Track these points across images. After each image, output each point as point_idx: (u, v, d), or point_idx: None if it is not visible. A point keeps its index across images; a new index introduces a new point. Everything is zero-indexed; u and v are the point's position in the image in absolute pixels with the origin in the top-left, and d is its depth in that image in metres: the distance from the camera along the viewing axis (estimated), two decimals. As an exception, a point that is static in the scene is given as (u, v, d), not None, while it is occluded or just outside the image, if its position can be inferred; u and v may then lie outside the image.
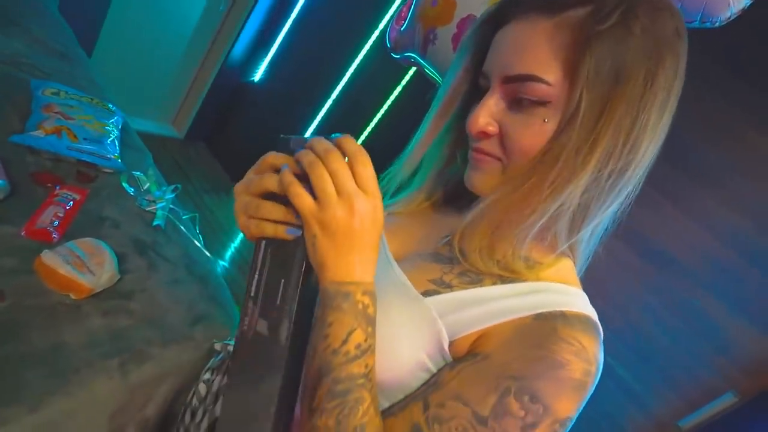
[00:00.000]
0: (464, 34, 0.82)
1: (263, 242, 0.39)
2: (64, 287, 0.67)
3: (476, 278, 0.41)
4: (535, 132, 0.38)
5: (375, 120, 2.30)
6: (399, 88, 2.22)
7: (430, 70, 1.00)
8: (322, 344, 0.37)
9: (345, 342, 0.36)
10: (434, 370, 0.40)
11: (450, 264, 0.43)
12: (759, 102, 1.38)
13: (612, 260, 1.47)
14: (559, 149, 0.36)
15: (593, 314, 0.39)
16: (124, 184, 0.94)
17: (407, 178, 0.54)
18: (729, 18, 0.70)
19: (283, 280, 0.37)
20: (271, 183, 0.37)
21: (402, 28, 0.95)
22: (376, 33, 2.25)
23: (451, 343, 0.39)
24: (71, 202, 0.81)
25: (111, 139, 0.96)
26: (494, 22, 0.42)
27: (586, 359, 0.35)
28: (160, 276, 0.83)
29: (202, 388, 0.65)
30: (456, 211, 0.52)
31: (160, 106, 2.76)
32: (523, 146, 0.39)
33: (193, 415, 0.65)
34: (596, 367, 0.36)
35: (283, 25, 2.57)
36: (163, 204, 0.95)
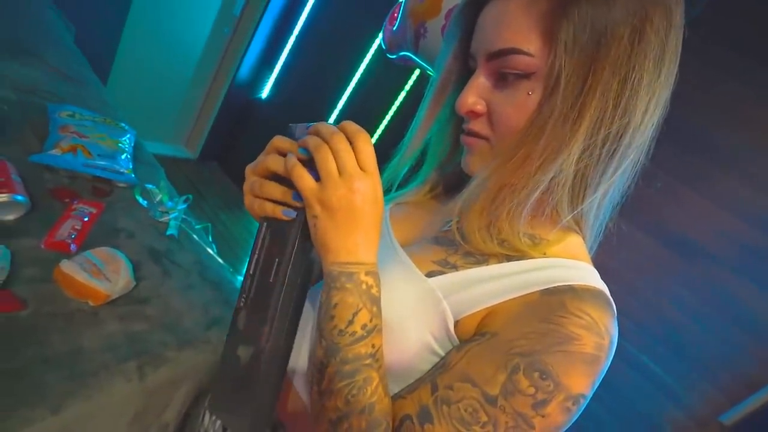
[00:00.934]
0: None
1: (264, 223, 0.40)
2: (82, 294, 0.69)
3: (481, 258, 0.41)
4: (520, 105, 0.38)
5: (381, 128, 2.32)
6: (402, 95, 2.24)
7: (425, 66, 1.02)
8: (329, 325, 0.37)
9: (351, 322, 0.36)
10: (441, 352, 0.39)
11: (453, 246, 0.43)
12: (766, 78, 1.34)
13: (638, 254, 1.42)
14: (544, 120, 0.36)
15: (604, 288, 0.38)
16: (138, 197, 0.97)
17: (411, 169, 0.55)
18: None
19: (277, 259, 0.38)
20: (274, 164, 0.38)
21: (394, 28, 0.97)
22: (377, 43, 2.29)
23: (456, 323, 0.38)
24: (88, 216, 0.84)
25: (124, 155, 1.00)
26: (476, 4, 0.42)
27: (597, 333, 0.34)
28: (174, 282, 0.85)
29: None
30: (451, 196, 0.52)
31: (173, 128, 2.85)
32: (509, 121, 0.38)
33: (212, 416, 0.65)
34: (609, 340, 0.34)
35: (286, 43, 2.64)
36: (176, 214, 0.97)
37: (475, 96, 0.40)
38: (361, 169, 0.36)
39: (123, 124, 1.11)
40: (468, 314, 0.38)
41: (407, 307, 0.40)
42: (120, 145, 1.01)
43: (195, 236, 0.99)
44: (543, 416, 0.32)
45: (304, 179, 0.36)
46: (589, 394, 0.34)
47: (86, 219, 0.83)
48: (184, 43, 2.52)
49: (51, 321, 0.64)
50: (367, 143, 0.37)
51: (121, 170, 0.96)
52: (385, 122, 2.31)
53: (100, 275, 0.71)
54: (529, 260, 0.39)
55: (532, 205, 0.38)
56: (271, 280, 0.39)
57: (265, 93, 2.80)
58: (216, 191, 2.83)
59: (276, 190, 0.39)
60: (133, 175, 0.98)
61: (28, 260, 0.70)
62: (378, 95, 2.33)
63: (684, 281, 1.48)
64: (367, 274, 0.37)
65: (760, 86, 1.36)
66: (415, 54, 0.95)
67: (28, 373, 0.57)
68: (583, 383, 0.33)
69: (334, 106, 2.48)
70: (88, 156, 0.91)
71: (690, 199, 1.45)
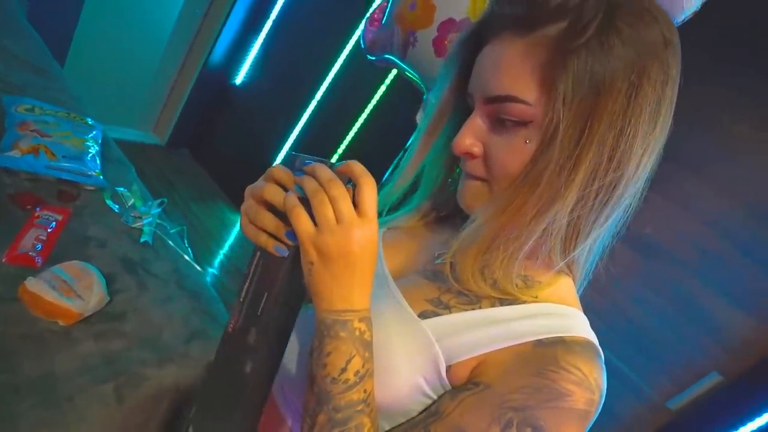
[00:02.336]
0: (447, 47, 0.83)
1: (258, 251, 0.39)
2: (51, 314, 0.65)
3: (474, 299, 0.41)
4: (517, 153, 0.37)
5: (360, 119, 2.29)
6: (383, 87, 2.21)
7: (410, 72, 1.01)
8: (321, 373, 0.36)
9: (344, 370, 0.36)
10: (432, 395, 0.39)
11: (446, 283, 0.43)
12: (737, 90, 1.41)
13: (607, 256, 1.49)
14: (540, 170, 0.36)
15: (593, 337, 0.39)
16: (108, 201, 0.91)
17: (405, 194, 0.54)
18: (683, 20, 0.71)
19: (266, 293, 0.38)
20: (271, 195, 0.37)
21: (378, 30, 0.95)
22: (358, 32, 2.23)
23: (448, 368, 0.39)
24: (53, 223, 0.78)
25: (91, 155, 0.94)
26: (474, 41, 0.41)
27: (588, 388, 0.35)
28: (150, 294, 0.82)
29: None
30: (450, 229, 0.52)
31: (139, 113, 2.70)
32: (506, 167, 0.38)
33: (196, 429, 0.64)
34: (599, 395, 0.36)
35: (263, 27, 2.53)
36: (150, 219, 0.92)
37: (472, 138, 0.40)
38: (360, 214, 0.35)
39: (89, 119, 1.04)
40: (460, 360, 0.38)
41: (399, 348, 0.40)
42: (86, 144, 0.95)
43: (170, 242, 0.95)
44: None
45: (302, 223, 0.35)
46: None
47: (51, 228, 0.78)
48: (152, 22, 2.37)
49: (19, 344, 0.61)
50: (372, 188, 0.36)
51: (89, 172, 0.90)
52: (364, 115, 2.28)
53: (71, 293, 0.67)
54: (521, 305, 0.40)
55: (526, 253, 0.38)
56: (259, 313, 0.39)
57: (239, 78, 2.68)
58: (187, 180, 2.72)
59: (270, 222, 0.37)
60: (101, 178, 0.93)
61: (-11, 277, 0.66)
62: (358, 87, 2.29)
63: (645, 280, 1.57)
64: (360, 320, 0.37)
65: (725, 93, 1.43)
66: (402, 60, 0.93)
67: (-3, 403, 0.54)
68: None
69: (313, 96, 2.42)
70: (51, 157, 0.85)
71: (654, 202, 1.53)
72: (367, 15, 1.05)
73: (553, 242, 0.38)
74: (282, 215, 0.37)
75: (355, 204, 0.36)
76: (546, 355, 0.36)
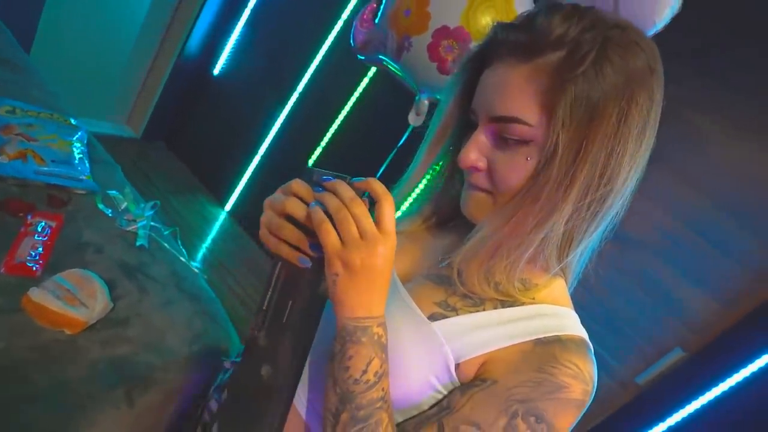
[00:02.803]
0: (441, 53, 0.85)
1: (279, 262, 0.41)
2: (57, 323, 0.66)
3: (478, 301, 0.45)
4: (519, 169, 0.41)
5: (344, 112, 2.28)
6: (366, 80, 2.21)
7: (402, 74, 1.03)
8: (344, 375, 0.39)
9: (365, 372, 0.39)
10: (443, 390, 0.43)
11: (452, 286, 0.46)
12: (701, 84, 1.50)
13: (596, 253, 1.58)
14: (541, 186, 0.39)
15: (584, 334, 0.44)
16: (100, 205, 0.90)
17: (406, 202, 0.58)
18: (657, 30, 0.77)
19: (290, 302, 0.41)
20: (294, 209, 0.39)
21: (370, 32, 0.96)
22: (340, 23, 2.20)
23: (457, 366, 0.43)
24: (47, 231, 0.77)
25: (79, 158, 0.92)
26: (479, 61, 0.45)
27: (583, 380, 0.39)
28: (152, 298, 0.82)
29: (213, 405, 0.66)
30: (451, 233, 0.55)
31: (111, 105, 2.59)
32: (509, 182, 0.42)
33: (205, 429, 0.66)
34: (592, 386, 0.41)
35: (241, 15, 2.46)
36: (144, 222, 0.92)
37: (476, 153, 0.43)
38: (381, 230, 0.38)
39: (72, 120, 1.01)
40: (468, 359, 0.42)
41: (412, 349, 0.44)
42: (73, 146, 0.92)
43: (166, 244, 0.96)
44: None
45: (331, 238, 0.37)
46: (572, 427, 0.41)
47: (46, 235, 0.77)
48: (124, 8, 2.25)
49: (27, 355, 0.61)
50: (391, 206, 0.39)
51: (80, 176, 0.88)
52: (349, 104, 2.26)
53: (75, 301, 0.67)
54: (520, 307, 0.44)
55: (526, 259, 0.42)
56: (284, 321, 0.41)
57: (217, 69, 2.60)
58: (165, 174, 2.65)
59: (293, 234, 0.40)
60: (92, 181, 0.91)
61: (-11, 289, 0.65)
62: (342, 76, 2.26)
63: (613, 264, 1.68)
64: (378, 326, 0.40)
65: (691, 90, 1.52)
66: (396, 62, 0.95)
67: (12, 414, 0.55)
68: (570, 422, 0.39)
69: (294, 89, 2.38)
70: (40, 162, 0.83)
71: None
72: (355, 6, 1.05)
73: (551, 249, 0.42)
74: (302, 227, 0.40)
75: (375, 220, 0.38)
76: (545, 352, 0.40)
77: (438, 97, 1.04)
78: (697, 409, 1.60)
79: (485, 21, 0.83)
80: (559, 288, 0.47)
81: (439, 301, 0.46)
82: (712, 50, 1.49)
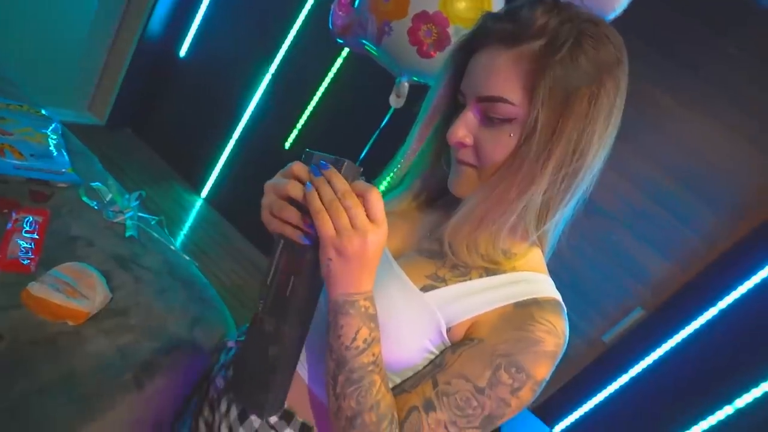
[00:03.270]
0: (420, 37, 0.88)
1: (281, 240, 0.45)
2: (60, 316, 0.67)
3: (465, 271, 0.50)
4: (503, 144, 0.46)
5: (319, 93, 2.26)
6: (340, 60, 2.18)
7: (382, 58, 1.05)
8: (336, 342, 0.44)
9: (354, 339, 0.44)
10: (436, 351, 0.49)
11: (441, 259, 0.52)
12: (661, 63, 1.60)
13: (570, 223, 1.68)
14: (522, 158, 0.44)
15: (558, 296, 0.50)
16: (84, 198, 0.90)
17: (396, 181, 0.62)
18: (617, 13, 0.83)
19: (293, 278, 0.45)
20: (295, 192, 0.43)
21: (349, 17, 0.97)
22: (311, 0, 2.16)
23: (448, 329, 0.48)
24: (35, 226, 0.77)
25: (57, 150, 0.90)
26: (468, 48, 0.49)
27: (556, 335, 0.45)
28: (147, 287, 0.84)
29: (219, 382, 0.69)
30: (438, 210, 0.60)
31: (70, 90, 2.45)
32: (494, 156, 0.47)
33: (212, 407, 0.70)
34: (564, 339, 0.47)
35: (205, -8, 2.35)
36: (131, 213, 0.92)
37: (464, 130, 0.48)
38: (372, 220, 0.42)
39: (43, 111, 0.98)
40: (458, 322, 0.48)
41: (407, 318, 0.49)
42: (49, 139, 0.90)
43: (155, 234, 0.96)
44: (518, 398, 0.44)
45: (326, 227, 0.41)
46: (548, 378, 0.47)
47: (34, 230, 0.77)
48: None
49: (34, 349, 0.62)
50: (378, 198, 0.43)
51: (61, 170, 0.87)
52: (324, 86, 2.24)
53: (76, 293, 0.69)
54: (502, 275, 0.49)
55: (508, 228, 0.48)
56: (287, 295, 0.46)
57: (183, 50, 2.50)
58: (135, 162, 2.56)
59: (294, 215, 0.44)
60: (74, 174, 0.90)
61: (-14, 286, 0.65)
62: (315, 56, 2.22)
63: (582, 233, 1.80)
64: (365, 299, 0.44)
65: (653, 68, 1.62)
66: (377, 47, 0.97)
67: (27, 407, 0.57)
68: (545, 372, 0.45)
69: (266, 70, 2.33)
70: (19, 157, 0.81)
71: None
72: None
73: (530, 218, 0.47)
74: (302, 208, 0.43)
75: (366, 211, 0.42)
76: (524, 313, 0.46)
77: (417, 79, 1.07)
78: (655, 360, 1.77)
79: (462, 6, 0.86)
80: (537, 257, 0.53)
81: (429, 274, 0.51)
82: (668, 30, 1.58)
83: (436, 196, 0.62)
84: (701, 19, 1.55)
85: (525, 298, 0.47)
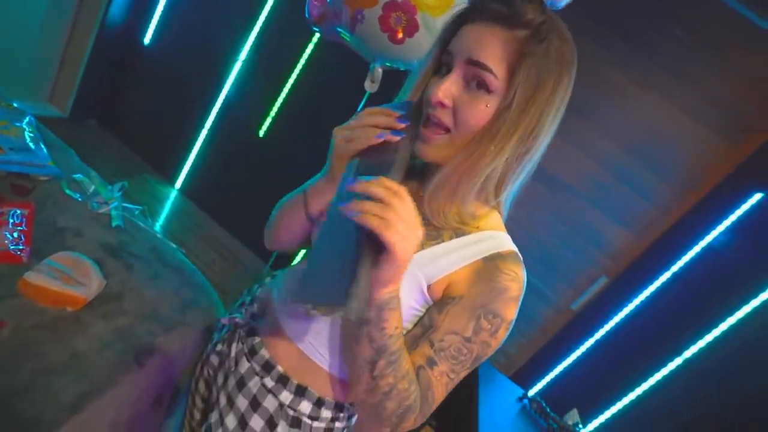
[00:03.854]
0: (391, 23, 0.92)
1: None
2: (59, 302, 0.70)
3: (436, 234, 0.57)
4: (479, 112, 0.52)
5: (292, 78, 2.25)
6: (311, 46, 2.18)
7: (356, 45, 1.09)
8: (379, 333, 0.48)
9: (396, 328, 0.49)
10: (420, 309, 0.56)
11: None
12: (617, 45, 1.70)
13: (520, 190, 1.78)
14: (496, 130, 0.51)
15: (516, 249, 0.58)
16: (68, 191, 0.91)
17: None
18: (567, 2, 0.90)
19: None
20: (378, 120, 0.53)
21: (324, 6, 1.01)
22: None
23: (429, 287, 0.56)
24: (22, 219, 0.78)
25: (36, 144, 0.90)
26: (462, 19, 0.55)
27: (518, 281, 0.53)
28: (139, 273, 0.87)
29: (214, 359, 0.74)
30: (414, 182, 0.65)
31: (27, 82, 2.33)
32: (469, 121, 0.53)
33: (208, 383, 0.75)
34: (524, 283, 0.55)
35: (168, -25, 2.27)
36: (116, 203, 0.94)
37: (447, 91, 0.53)
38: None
39: (15, 104, 0.97)
40: (436, 280, 0.55)
41: None
42: (26, 133, 0.90)
43: (140, 223, 0.99)
44: (495, 338, 0.52)
45: (371, 213, 0.43)
46: (516, 317, 0.55)
47: (21, 223, 0.78)
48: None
49: (38, 334, 0.66)
50: (410, 201, 0.45)
51: (41, 163, 0.88)
52: (297, 69, 2.23)
53: (71, 281, 0.71)
54: (469, 235, 0.55)
55: (475, 193, 0.55)
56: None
57: (147, 38, 2.42)
58: (103, 155, 2.49)
59: (382, 119, 0.52)
60: (55, 167, 0.91)
61: (-19, 278, 0.67)
62: (286, 42, 2.21)
63: (550, 209, 1.92)
64: (398, 290, 0.49)
65: (610, 50, 1.72)
66: (351, 34, 1.01)
67: (36, 385, 0.61)
68: (513, 312, 0.53)
69: (236, 57, 2.30)
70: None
71: (556, 143, 1.83)
72: None
73: (491, 185, 0.55)
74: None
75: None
76: (491, 266, 0.54)
77: (390, 65, 1.12)
78: (617, 323, 1.93)
79: None
80: (496, 218, 0.61)
81: None
82: (626, 15, 1.68)
83: (413, 168, 0.68)
84: (655, 3, 1.66)
85: (490, 253, 0.55)
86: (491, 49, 0.51)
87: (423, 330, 0.55)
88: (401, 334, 0.51)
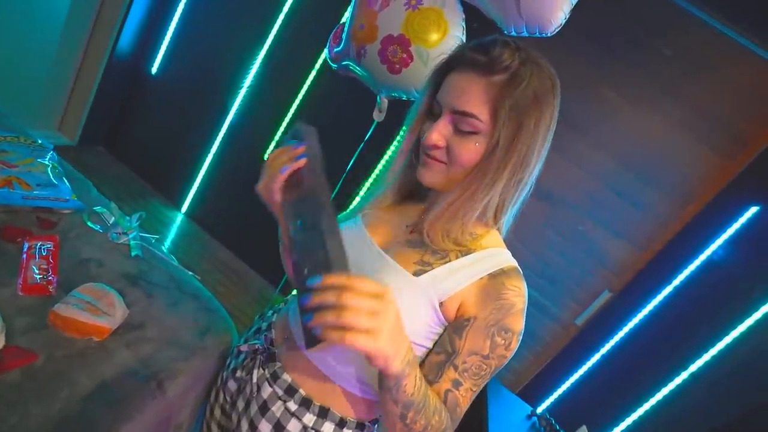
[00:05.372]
0: (388, 56, 1.00)
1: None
2: (86, 332, 0.73)
3: (444, 255, 0.61)
4: (470, 150, 0.58)
5: (294, 105, 2.32)
6: (314, 73, 2.25)
7: (362, 75, 1.16)
8: (403, 396, 0.49)
9: (416, 386, 0.50)
10: (435, 329, 0.59)
11: (423, 247, 0.62)
12: (610, 66, 1.77)
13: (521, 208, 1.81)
14: (487, 166, 0.57)
15: (516, 263, 0.62)
16: (89, 223, 0.95)
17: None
18: (556, 30, 0.97)
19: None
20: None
21: (338, 47, 1.09)
22: (282, 15, 2.22)
23: (441, 304, 0.59)
24: (48, 252, 0.82)
25: (58, 178, 0.95)
26: (446, 68, 0.61)
27: (522, 295, 0.58)
28: (159, 302, 0.90)
29: (232, 385, 0.76)
30: (413, 205, 0.70)
31: (38, 111, 2.41)
32: (461, 159, 0.58)
33: (224, 410, 0.77)
34: (526, 296, 0.58)
35: (176, 9, 2.37)
36: (134, 233, 0.98)
37: (439, 135, 0.59)
38: (378, 296, 0.43)
39: (39, 140, 1.02)
40: (447, 297, 0.57)
41: (409, 303, 0.58)
42: (50, 169, 0.95)
43: (157, 251, 1.02)
44: (509, 350, 0.57)
45: (361, 340, 0.42)
46: (523, 327, 0.59)
47: (48, 256, 0.81)
48: (43, 7, 2.09)
49: (69, 362, 0.68)
50: (366, 280, 0.44)
51: (65, 197, 0.92)
52: (300, 95, 2.29)
53: (98, 311, 0.75)
54: (473, 254, 0.60)
55: (475, 219, 0.59)
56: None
57: (155, 67, 2.51)
58: (111, 181, 2.54)
59: (280, 158, 0.57)
60: (78, 201, 0.95)
61: (14, 310, 0.70)
62: (289, 70, 2.28)
63: (550, 224, 1.95)
64: (410, 349, 0.49)
65: (601, 68, 1.79)
66: (358, 65, 1.09)
67: (72, 412, 0.63)
68: (521, 324, 0.57)
69: (241, 83, 2.37)
70: (26, 188, 0.86)
71: (554, 160, 1.88)
72: (333, 33, 1.19)
73: (491, 212, 0.60)
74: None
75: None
76: (497, 282, 0.58)
77: (395, 95, 1.18)
78: (622, 337, 1.94)
79: (421, 28, 1.00)
80: (495, 235, 0.65)
81: (416, 260, 0.61)
82: (617, 35, 1.76)
83: (408, 196, 0.73)
84: (636, 18, 1.73)
85: (494, 270, 0.59)
86: (473, 96, 0.56)
87: (446, 357, 0.58)
88: (423, 383, 0.52)
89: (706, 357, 1.67)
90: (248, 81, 2.37)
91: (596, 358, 2.01)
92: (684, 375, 1.72)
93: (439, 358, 0.58)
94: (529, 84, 0.55)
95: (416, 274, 0.60)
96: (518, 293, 0.58)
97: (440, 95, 0.60)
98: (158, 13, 2.40)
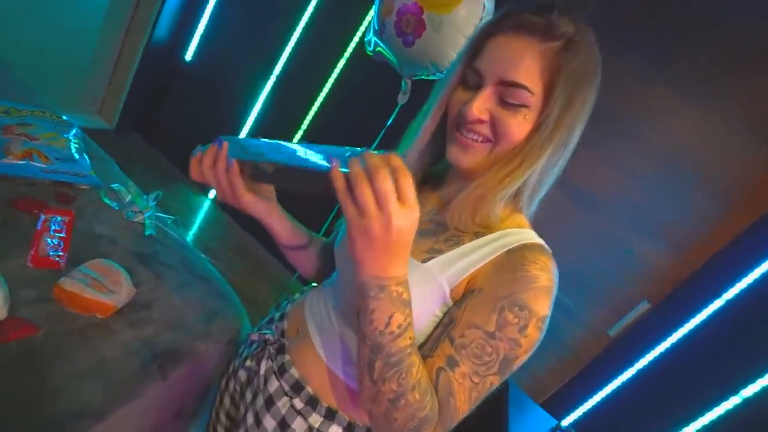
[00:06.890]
0: (403, 27, 0.96)
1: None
2: (89, 309, 0.71)
3: (457, 239, 0.55)
4: (518, 124, 0.50)
5: (323, 93, 2.30)
6: (343, 61, 2.22)
7: (387, 54, 1.12)
8: (369, 328, 0.43)
9: (388, 324, 0.43)
10: (440, 313, 0.53)
11: (435, 235, 0.56)
12: (652, 61, 1.62)
13: (552, 209, 1.70)
14: (536, 141, 0.50)
15: (544, 243, 0.54)
16: (105, 199, 0.94)
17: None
18: None
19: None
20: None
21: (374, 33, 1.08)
22: (314, 1, 2.19)
23: (450, 290, 0.52)
24: (62, 226, 0.81)
25: (80, 154, 0.95)
26: (490, 31, 0.52)
27: (548, 270, 0.49)
28: (168, 283, 0.88)
29: (242, 374, 0.73)
30: (432, 190, 0.63)
31: (81, 96, 2.51)
32: (510, 135, 0.51)
33: (233, 399, 0.74)
34: (555, 274, 0.50)
35: (209, -2, 2.39)
36: (150, 213, 0.97)
37: (482, 108, 0.51)
38: (403, 204, 0.39)
39: (64, 116, 1.03)
40: (457, 282, 0.51)
41: (417, 292, 0.50)
42: (72, 143, 0.95)
43: (172, 233, 1.01)
44: (526, 336, 0.46)
45: (350, 207, 0.40)
46: (550, 314, 0.49)
47: (62, 230, 0.81)
48: (84, -4, 2.16)
49: (69, 339, 0.67)
50: (409, 179, 0.40)
51: (84, 172, 0.92)
52: (327, 86, 2.28)
53: (103, 288, 0.73)
54: (491, 234, 0.53)
55: (506, 198, 0.53)
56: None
57: (189, 54, 2.55)
58: (143, 165, 2.62)
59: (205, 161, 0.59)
60: (96, 177, 0.94)
61: (21, 282, 0.69)
62: (319, 57, 2.26)
63: (583, 228, 1.82)
64: (398, 284, 0.43)
65: (643, 64, 1.64)
66: (380, 40, 1.06)
67: (66, 389, 0.61)
68: (545, 307, 0.48)
69: (271, 71, 2.37)
70: (45, 161, 0.86)
71: (588, 159, 1.74)
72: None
73: (524, 196, 0.54)
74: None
75: (397, 190, 0.39)
76: (516, 256, 0.50)
77: (417, 74, 1.13)
78: (661, 352, 1.79)
79: None
80: (520, 218, 0.57)
81: (427, 249, 0.56)
82: (662, 26, 1.60)
83: (434, 177, 0.65)
84: (681, 13, 1.57)
85: (515, 245, 0.51)
86: (526, 64, 0.49)
87: (443, 329, 0.50)
88: (406, 337, 0.44)
89: (763, 382, 1.50)
90: (278, 69, 2.37)
91: (631, 372, 1.86)
92: (735, 400, 1.55)
93: (435, 332, 0.52)
94: (587, 55, 0.50)
95: (424, 261, 0.54)
96: (542, 267, 0.49)
97: (481, 63, 0.52)
98: (193, 2, 2.44)
